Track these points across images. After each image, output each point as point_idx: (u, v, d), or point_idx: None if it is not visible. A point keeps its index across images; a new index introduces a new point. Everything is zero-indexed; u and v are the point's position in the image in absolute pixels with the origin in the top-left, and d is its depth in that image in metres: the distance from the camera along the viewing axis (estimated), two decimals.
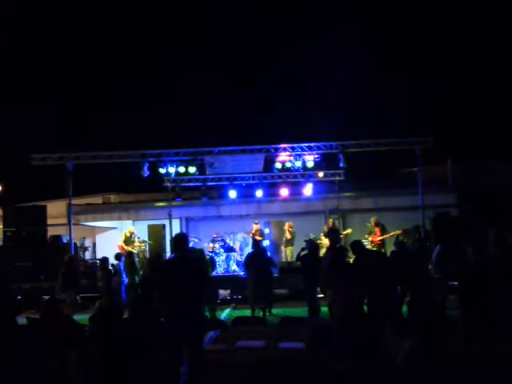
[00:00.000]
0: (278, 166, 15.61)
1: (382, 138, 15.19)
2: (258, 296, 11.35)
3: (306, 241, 12.33)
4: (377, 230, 15.06)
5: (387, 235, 14.98)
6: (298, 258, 11.28)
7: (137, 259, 15.31)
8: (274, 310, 11.62)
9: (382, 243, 14.96)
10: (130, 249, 15.51)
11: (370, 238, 15.23)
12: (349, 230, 16.40)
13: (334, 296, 7.07)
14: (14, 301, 6.32)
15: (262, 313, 11.14)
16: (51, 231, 16.08)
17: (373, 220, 15.31)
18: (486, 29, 25.81)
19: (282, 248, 17.02)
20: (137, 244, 15.96)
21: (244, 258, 12.55)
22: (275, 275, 13.49)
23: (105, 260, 12.08)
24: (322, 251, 12.49)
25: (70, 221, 15.39)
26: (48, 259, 14.10)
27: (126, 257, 15.74)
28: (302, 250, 11.40)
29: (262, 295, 11.34)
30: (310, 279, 11.11)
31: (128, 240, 15.71)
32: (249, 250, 14.20)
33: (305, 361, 6.35)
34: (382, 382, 6.02)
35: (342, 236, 14.87)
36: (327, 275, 7.25)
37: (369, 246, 15.46)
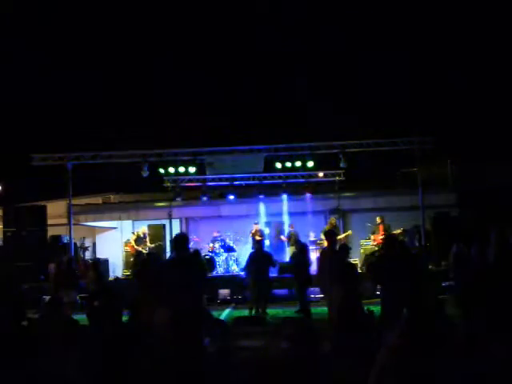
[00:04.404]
0: (278, 165, 15.62)
1: (382, 137, 15.21)
2: (258, 296, 11.40)
3: (297, 240, 12.42)
4: (381, 228, 15.10)
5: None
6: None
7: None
8: (273, 310, 11.63)
9: None
10: (140, 249, 15.51)
11: (372, 237, 15.27)
12: (349, 232, 16.41)
13: (335, 295, 7.06)
14: (22, 301, 6.29)
15: (255, 312, 11.17)
16: (51, 231, 16.07)
17: (379, 218, 15.31)
18: (487, 29, 25.81)
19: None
20: (148, 244, 15.98)
21: (247, 258, 12.56)
22: (274, 275, 13.54)
23: (97, 262, 12.13)
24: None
25: (70, 221, 15.39)
26: (48, 259, 14.09)
27: (134, 257, 15.73)
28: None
29: (260, 295, 11.38)
30: (301, 280, 11.17)
31: (140, 240, 15.73)
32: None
33: (306, 361, 6.34)
34: None
35: (341, 237, 14.88)
36: (331, 274, 7.24)
37: (370, 246, 15.51)
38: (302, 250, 11.73)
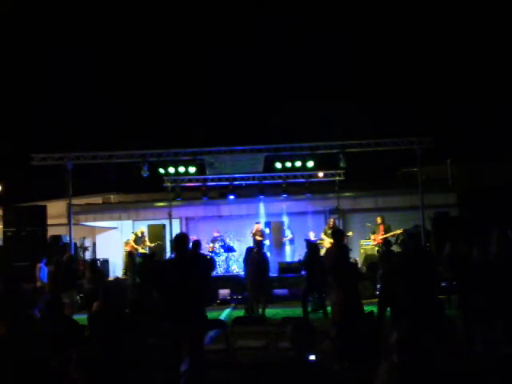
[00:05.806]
0: (278, 165, 15.61)
1: (382, 137, 15.20)
2: (255, 295, 11.37)
3: (306, 240, 12.39)
4: (381, 228, 15.05)
5: (388, 234, 15.00)
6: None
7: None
8: (273, 310, 11.61)
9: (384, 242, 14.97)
10: (140, 248, 15.51)
11: (372, 237, 15.22)
12: (350, 233, 16.39)
13: (336, 294, 7.05)
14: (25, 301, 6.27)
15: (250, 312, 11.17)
16: (51, 231, 16.06)
17: (379, 218, 15.23)
18: (487, 29, 25.84)
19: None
20: (147, 244, 15.97)
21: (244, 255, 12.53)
22: (274, 275, 13.52)
23: (94, 262, 12.08)
24: (322, 251, 12.50)
25: (70, 221, 15.38)
26: (48, 259, 14.06)
27: (128, 256, 15.70)
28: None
29: (259, 296, 11.36)
30: (308, 279, 11.12)
31: (138, 240, 15.73)
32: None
33: (306, 360, 6.33)
34: None
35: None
36: (332, 273, 7.22)
37: (370, 246, 15.48)
38: (310, 250, 11.70)
